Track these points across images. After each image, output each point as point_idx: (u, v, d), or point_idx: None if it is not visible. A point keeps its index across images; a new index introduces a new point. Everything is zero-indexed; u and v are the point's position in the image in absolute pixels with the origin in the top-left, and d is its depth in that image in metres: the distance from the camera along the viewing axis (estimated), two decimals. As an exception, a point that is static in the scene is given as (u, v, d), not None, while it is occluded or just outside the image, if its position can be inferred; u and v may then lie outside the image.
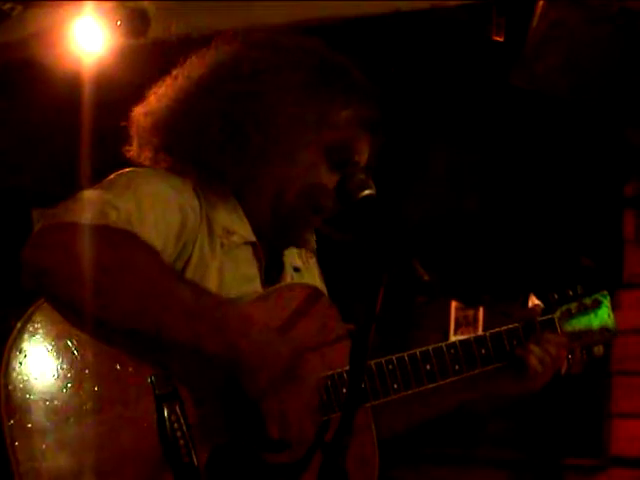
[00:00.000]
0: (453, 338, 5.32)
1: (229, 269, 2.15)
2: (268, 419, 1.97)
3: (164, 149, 2.19)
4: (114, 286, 1.90)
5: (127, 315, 1.91)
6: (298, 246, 2.30)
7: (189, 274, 2.09)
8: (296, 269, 2.34)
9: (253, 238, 2.21)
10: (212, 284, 2.10)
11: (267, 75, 2.17)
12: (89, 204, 1.98)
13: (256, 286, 2.19)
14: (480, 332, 2.36)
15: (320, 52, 2.24)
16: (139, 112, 2.22)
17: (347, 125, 2.19)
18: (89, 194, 2.02)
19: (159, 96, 2.22)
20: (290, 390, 1.97)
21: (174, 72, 2.24)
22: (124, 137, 2.24)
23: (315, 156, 2.19)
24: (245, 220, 2.21)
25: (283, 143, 2.15)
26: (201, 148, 2.15)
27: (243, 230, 2.19)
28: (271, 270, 2.28)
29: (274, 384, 1.95)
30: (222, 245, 2.15)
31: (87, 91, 4.37)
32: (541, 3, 4.20)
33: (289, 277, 2.31)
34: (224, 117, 2.14)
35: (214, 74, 2.19)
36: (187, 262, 2.09)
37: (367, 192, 2.04)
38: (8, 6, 4.65)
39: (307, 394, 1.99)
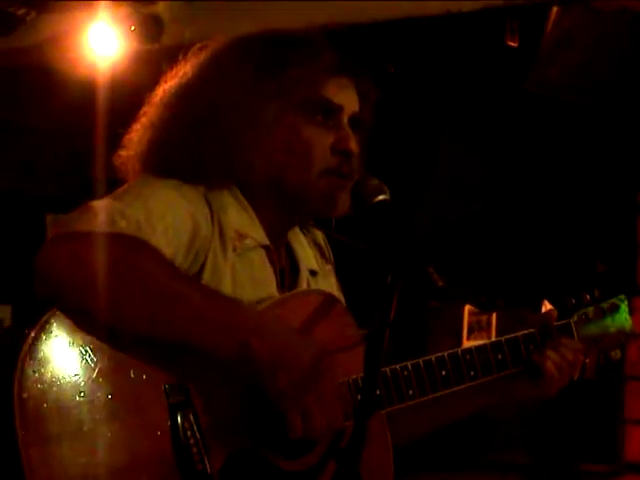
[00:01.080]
0: (466, 343, 5.31)
1: (243, 273, 2.14)
2: (290, 416, 1.96)
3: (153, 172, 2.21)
4: (124, 293, 1.91)
5: (138, 322, 1.92)
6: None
7: (204, 282, 2.08)
8: (312, 272, 2.34)
9: (266, 241, 2.20)
10: (227, 289, 2.10)
11: (217, 71, 2.21)
12: (99, 213, 1.98)
13: (272, 290, 2.18)
14: (493, 337, 2.36)
15: (263, 34, 2.28)
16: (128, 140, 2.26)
17: (308, 78, 2.19)
18: (99, 203, 2.02)
19: (138, 127, 2.26)
20: (312, 390, 1.96)
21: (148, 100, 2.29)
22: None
23: (292, 120, 2.19)
24: (257, 222, 2.21)
25: (252, 122, 2.17)
26: (186, 157, 2.16)
27: (256, 233, 2.19)
28: (287, 273, 2.28)
29: (295, 385, 1.94)
30: (235, 249, 2.15)
31: (101, 96, 4.38)
32: (555, 9, 4.20)
33: (305, 281, 2.30)
34: (193, 123, 2.17)
35: (179, 88, 2.23)
36: (201, 270, 2.09)
37: (381, 197, 2.04)
38: (22, 11, 4.66)
39: (331, 394, 1.99)
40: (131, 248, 1.94)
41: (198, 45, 2.28)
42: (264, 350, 1.93)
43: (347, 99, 2.24)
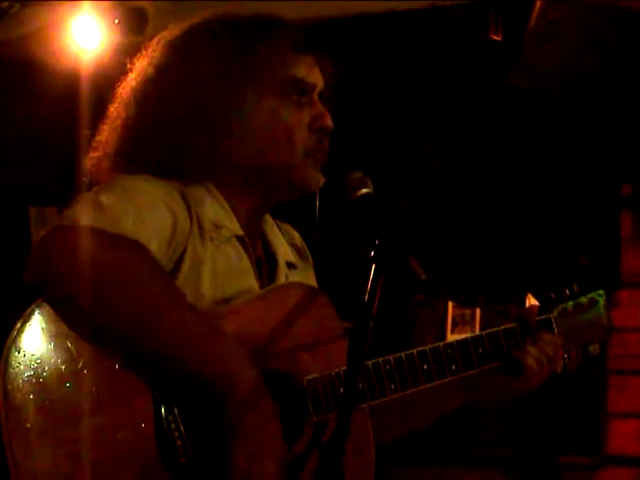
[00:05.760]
0: (450, 337, 5.32)
1: (222, 264, 2.15)
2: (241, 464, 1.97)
3: (125, 161, 2.21)
4: (115, 299, 1.92)
5: (124, 330, 1.93)
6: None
7: (184, 273, 2.09)
8: (290, 265, 2.35)
9: (241, 232, 2.21)
10: (207, 280, 2.11)
11: (186, 62, 2.20)
12: (93, 208, 2.00)
13: (250, 281, 2.19)
14: (477, 331, 2.37)
15: (225, 17, 2.28)
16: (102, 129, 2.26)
17: (279, 59, 2.21)
18: (92, 198, 2.04)
19: (112, 112, 2.26)
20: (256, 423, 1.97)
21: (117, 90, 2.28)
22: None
23: (270, 103, 2.21)
24: (231, 213, 2.21)
25: (232, 111, 2.18)
26: (163, 153, 2.17)
27: (230, 223, 2.20)
28: (264, 264, 2.29)
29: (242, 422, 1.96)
30: (212, 239, 2.15)
31: (85, 88, 4.37)
32: (538, 3, 4.21)
33: (283, 273, 2.31)
34: (168, 118, 2.17)
35: (145, 83, 2.22)
36: (181, 261, 2.10)
37: (364, 191, 2.05)
38: (6, 4, 4.65)
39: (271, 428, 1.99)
40: (126, 252, 1.95)
41: (157, 38, 2.28)
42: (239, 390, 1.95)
43: (316, 77, 2.27)
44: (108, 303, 1.92)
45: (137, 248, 1.96)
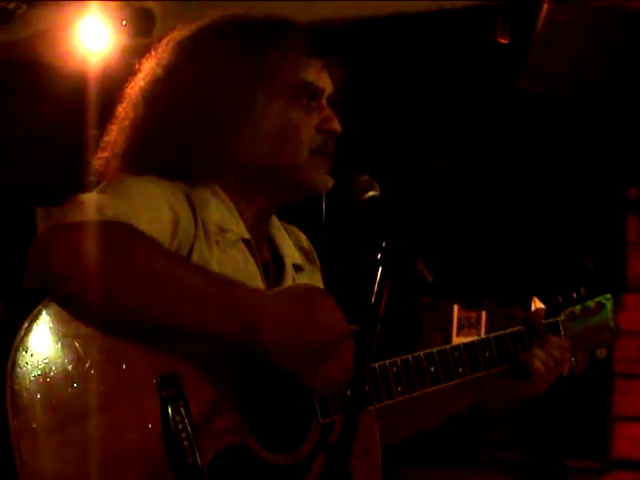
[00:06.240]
0: (455, 340, 5.31)
1: (228, 268, 2.15)
2: (314, 382, 2.01)
3: (132, 161, 2.21)
4: (120, 279, 1.92)
5: (137, 309, 1.92)
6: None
7: None
8: (297, 267, 2.35)
9: (247, 235, 2.21)
10: None
11: (197, 63, 2.21)
12: (88, 205, 2.00)
13: (258, 284, 2.19)
14: (483, 334, 2.38)
15: (234, 19, 2.28)
16: (110, 129, 2.27)
17: (289, 63, 2.22)
18: (87, 196, 2.04)
19: (120, 112, 2.27)
20: (327, 357, 2.02)
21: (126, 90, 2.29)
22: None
23: (279, 106, 2.21)
24: (237, 217, 2.22)
25: (243, 113, 2.18)
26: (172, 154, 2.17)
27: (236, 227, 2.20)
28: (270, 267, 2.29)
29: (306, 354, 1.99)
30: (217, 243, 2.16)
31: (92, 90, 4.38)
32: (546, 6, 4.21)
33: (290, 276, 2.31)
34: (177, 118, 2.17)
35: (154, 83, 2.23)
36: None
37: (371, 193, 2.05)
38: (13, 5, 4.65)
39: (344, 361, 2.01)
40: (123, 234, 1.96)
41: (166, 39, 2.28)
42: (269, 329, 1.95)
43: (325, 81, 2.28)
44: (116, 291, 1.92)
45: (130, 230, 1.97)
